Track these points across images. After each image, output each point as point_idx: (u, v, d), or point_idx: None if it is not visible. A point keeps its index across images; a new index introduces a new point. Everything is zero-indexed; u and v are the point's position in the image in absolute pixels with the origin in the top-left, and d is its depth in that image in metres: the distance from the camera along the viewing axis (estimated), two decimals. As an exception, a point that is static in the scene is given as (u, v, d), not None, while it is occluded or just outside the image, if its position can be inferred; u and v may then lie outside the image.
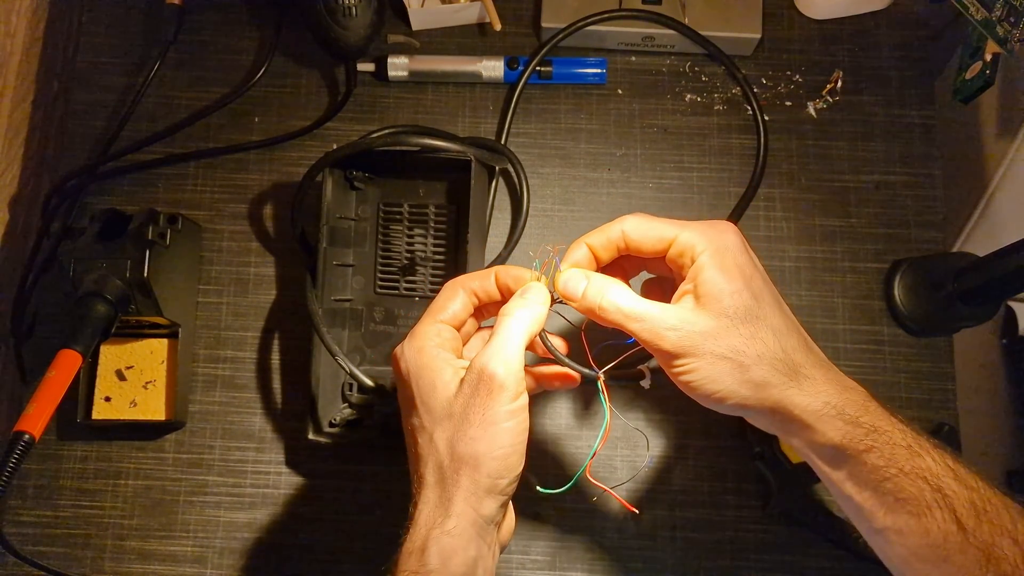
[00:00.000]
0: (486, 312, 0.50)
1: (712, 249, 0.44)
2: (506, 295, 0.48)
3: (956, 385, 0.66)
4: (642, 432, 0.64)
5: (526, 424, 0.44)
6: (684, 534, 0.64)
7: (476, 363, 0.44)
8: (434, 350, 0.46)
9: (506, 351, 0.44)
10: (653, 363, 0.47)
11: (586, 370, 0.47)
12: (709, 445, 0.65)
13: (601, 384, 0.47)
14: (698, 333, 0.43)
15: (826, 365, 0.44)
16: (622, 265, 0.49)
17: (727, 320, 0.43)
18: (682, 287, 0.45)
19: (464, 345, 0.49)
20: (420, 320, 0.47)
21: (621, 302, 0.44)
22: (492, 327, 0.48)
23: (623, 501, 0.51)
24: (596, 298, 0.45)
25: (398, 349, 0.47)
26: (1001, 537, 0.40)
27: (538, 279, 0.47)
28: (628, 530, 0.64)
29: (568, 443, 0.66)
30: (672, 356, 0.44)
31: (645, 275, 0.51)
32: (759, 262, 0.46)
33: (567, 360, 0.47)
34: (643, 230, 0.46)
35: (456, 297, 0.48)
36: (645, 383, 0.48)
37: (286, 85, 0.73)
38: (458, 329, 0.48)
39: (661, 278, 0.51)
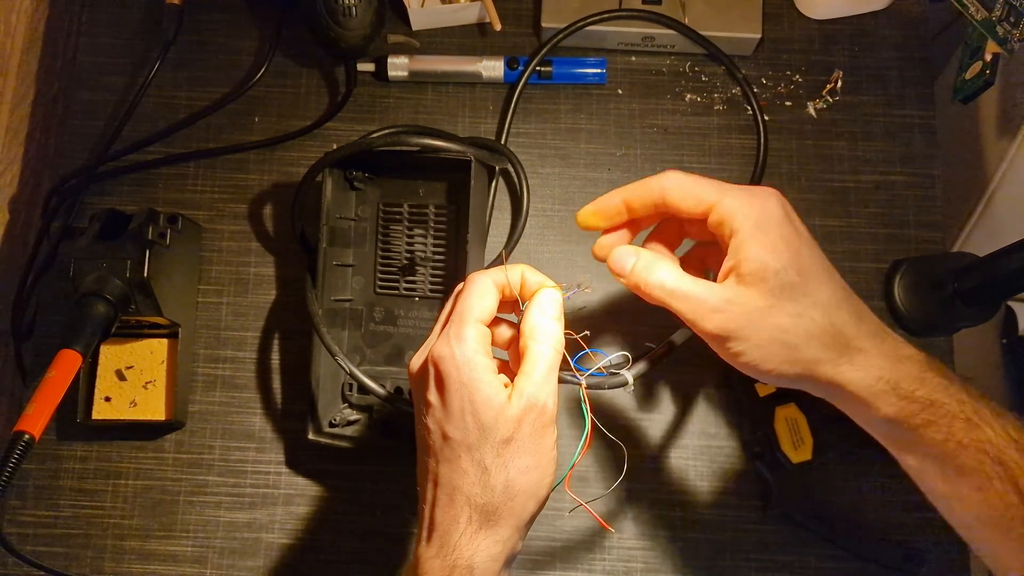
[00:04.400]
0: (502, 308, 0.48)
1: (753, 222, 0.42)
2: (525, 299, 0.47)
3: (956, 385, 0.66)
4: (620, 443, 0.63)
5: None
6: (684, 534, 0.64)
7: (528, 392, 0.43)
8: (484, 360, 0.44)
9: (551, 383, 0.44)
10: (634, 370, 0.47)
11: (568, 377, 0.46)
12: (709, 445, 0.65)
13: (583, 391, 0.46)
14: (743, 315, 0.42)
15: (880, 334, 0.43)
16: (665, 232, 0.49)
17: (772, 300, 0.41)
18: (725, 263, 0.43)
19: None
20: (458, 318, 0.45)
21: (667, 281, 0.44)
22: (509, 323, 0.48)
23: (599, 519, 0.48)
24: (643, 274, 0.44)
25: (444, 350, 0.44)
26: None
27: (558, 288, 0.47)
28: (628, 530, 0.64)
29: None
30: (718, 338, 0.43)
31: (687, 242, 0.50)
32: (805, 229, 0.44)
33: None
34: (684, 190, 0.44)
35: (488, 294, 0.46)
36: (628, 389, 0.47)
37: (286, 85, 0.73)
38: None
39: (699, 251, 0.50)
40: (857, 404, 0.43)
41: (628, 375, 0.47)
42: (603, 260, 0.47)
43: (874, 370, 0.42)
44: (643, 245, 0.49)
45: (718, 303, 0.42)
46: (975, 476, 0.40)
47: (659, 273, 0.44)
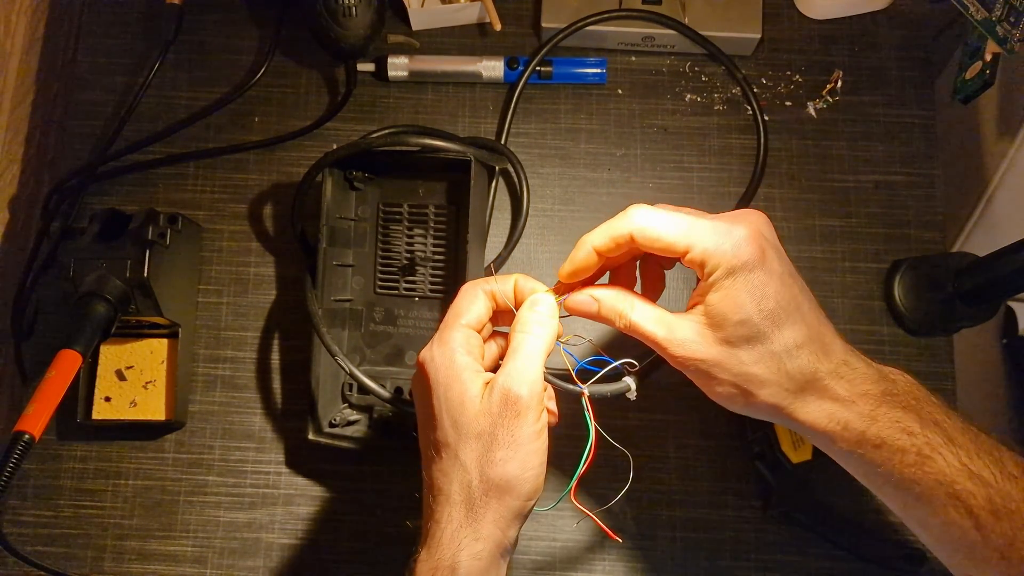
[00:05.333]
0: (499, 319, 0.49)
1: (723, 270, 0.42)
2: (520, 305, 0.47)
3: (956, 385, 0.66)
4: (626, 452, 0.62)
5: (547, 443, 0.44)
6: (684, 534, 0.64)
7: (500, 383, 0.43)
8: (464, 359, 0.44)
9: (528, 371, 0.43)
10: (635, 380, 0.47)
11: (570, 386, 0.46)
12: (709, 445, 0.65)
13: (585, 400, 0.45)
14: (701, 360, 0.43)
15: (838, 373, 0.43)
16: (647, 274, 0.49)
17: (731, 348, 0.42)
18: (694, 296, 0.44)
19: None
20: (445, 324, 0.46)
21: (635, 319, 0.44)
22: (507, 335, 0.47)
23: (606, 528, 0.47)
24: (611, 315, 0.45)
25: (427, 353, 0.45)
26: (1020, 531, 0.40)
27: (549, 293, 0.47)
28: (628, 530, 0.64)
29: (563, 452, 0.66)
30: (687, 370, 0.44)
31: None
32: (784, 265, 0.43)
33: (551, 378, 0.46)
34: (652, 236, 0.43)
35: (478, 299, 0.47)
36: (631, 395, 0.47)
37: (286, 85, 0.73)
38: (479, 333, 0.47)
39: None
40: (814, 437, 0.44)
41: (631, 381, 0.47)
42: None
43: (824, 412, 0.43)
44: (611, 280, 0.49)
45: (680, 349, 0.43)
46: (931, 505, 0.42)
47: (635, 315, 0.45)
